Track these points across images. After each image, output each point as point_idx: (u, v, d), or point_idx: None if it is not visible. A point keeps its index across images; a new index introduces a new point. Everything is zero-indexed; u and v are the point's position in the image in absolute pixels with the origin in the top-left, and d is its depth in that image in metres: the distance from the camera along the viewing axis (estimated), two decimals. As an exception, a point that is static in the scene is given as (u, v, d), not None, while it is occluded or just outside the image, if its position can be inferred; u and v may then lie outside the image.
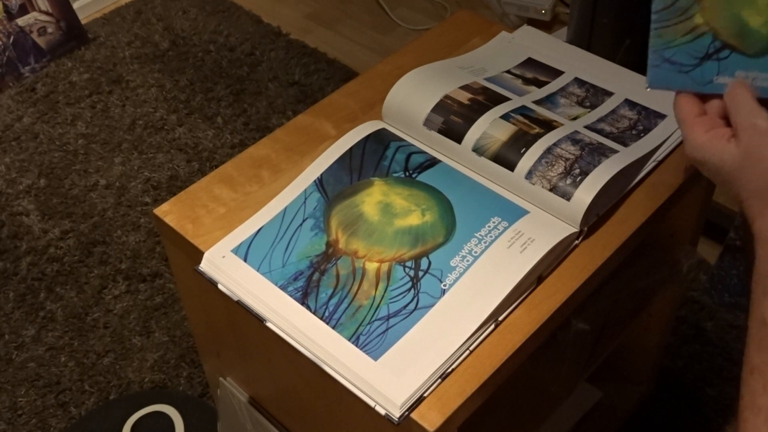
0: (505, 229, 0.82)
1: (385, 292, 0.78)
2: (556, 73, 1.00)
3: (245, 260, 0.82)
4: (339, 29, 2.32)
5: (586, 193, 0.82)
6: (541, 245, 0.80)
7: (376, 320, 0.76)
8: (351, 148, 0.91)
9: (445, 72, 0.96)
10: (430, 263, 0.80)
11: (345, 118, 0.99)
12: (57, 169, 1.89)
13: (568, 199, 0.82)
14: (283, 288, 0.80)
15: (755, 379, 0.64)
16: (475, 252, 0.80)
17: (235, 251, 0.83)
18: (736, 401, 0.65)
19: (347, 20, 2.35)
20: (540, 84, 0.98)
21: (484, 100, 0.91)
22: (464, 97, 0.91)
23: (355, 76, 2.01)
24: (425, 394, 0.73)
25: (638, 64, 0.88)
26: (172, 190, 1.83)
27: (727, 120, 0.72)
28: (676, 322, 1.49)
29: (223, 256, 0.83)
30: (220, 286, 0.82)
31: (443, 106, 0.91)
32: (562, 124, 0.90)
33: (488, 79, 0.96)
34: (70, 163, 1.91)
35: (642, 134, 0.91)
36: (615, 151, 0.87)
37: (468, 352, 0.75)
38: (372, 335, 0.75)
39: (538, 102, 0.94)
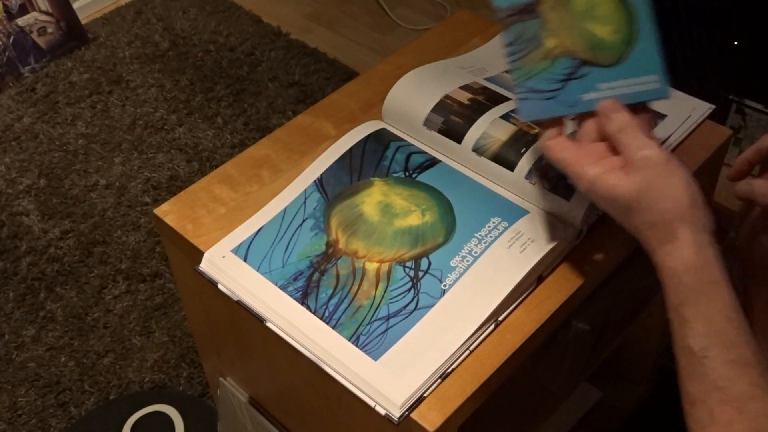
0: (505, 229, 0.82)
1: (385, 292, 0.78)
2: (556, 73, 1.00)
3: (245, 260, 0.82)
4: (339, 29, 2.32)
5: (586, 193, 0.82)
6: (541, 245, 0.80)
7: (376, 320, 0.76)
8: (351, 148, 0.91)
9: (445, 72, 0.96)
10: (430, 263, 0.80)
11: (345, 118, 0.99)
12: (57, 169, 1.89)
13: (568, 199, 0.82)
14: (283, 288, 0.80)
15: (699, 410, 0.63)
16: (475, 252, 0.80)
17: (235, 251, 0.83)
18: None
19: (347, 20, 2.35)
20: (540, 84, 0.98)
21: (484, 100, 0.91)
22: (464, 97, 0.91)
23: (355, 76, 2.01)
24: (425, 394, 0.72)
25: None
26: (172, 190, 1.83)
27: (603, 139, 0.71)
28: (676, 322, 1.49)
29: (223, 256, 0.83)
30: (220, 286, 0.82)
31: (443, 106, 0.90)
32: (562, 124, 0.89)
33: (488, 79, 0.96)
34: (70, 163, 1.91)
35: (642, 134, 0.91)
36: (615, 151, 0.87)
37: (468, 352, 0.75)
38: (372, 335, 0.75)
39: (538, 102, 0.94)
